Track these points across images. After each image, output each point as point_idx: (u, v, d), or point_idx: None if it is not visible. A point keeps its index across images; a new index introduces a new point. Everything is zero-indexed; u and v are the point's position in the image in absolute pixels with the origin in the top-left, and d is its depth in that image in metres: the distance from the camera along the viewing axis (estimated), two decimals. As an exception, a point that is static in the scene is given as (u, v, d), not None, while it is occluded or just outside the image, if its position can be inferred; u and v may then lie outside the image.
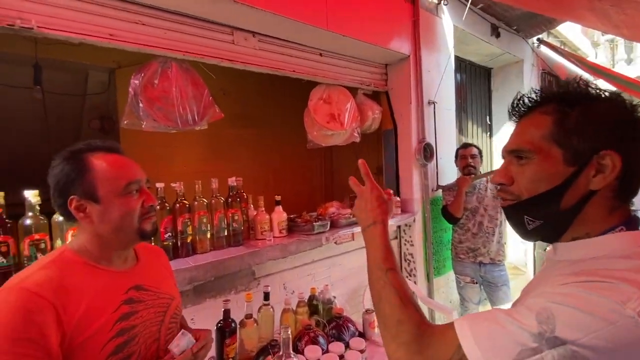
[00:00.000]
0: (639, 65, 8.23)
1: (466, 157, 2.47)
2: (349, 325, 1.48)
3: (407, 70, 2.65)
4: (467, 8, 2.79)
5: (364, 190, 0.79)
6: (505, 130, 4.13)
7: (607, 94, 0.59)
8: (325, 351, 1.29)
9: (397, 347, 0.60)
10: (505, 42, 3.61)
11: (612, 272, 0.49)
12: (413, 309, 0.63)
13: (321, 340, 1.33)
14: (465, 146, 2.55)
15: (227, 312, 1.29)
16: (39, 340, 0.65)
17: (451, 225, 2.62)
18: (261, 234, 1.86)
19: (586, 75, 4.62)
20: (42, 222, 1.20)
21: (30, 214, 1.19)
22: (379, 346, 1.46)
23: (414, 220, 2.67)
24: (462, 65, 3.70)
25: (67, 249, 0.81)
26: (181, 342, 0.88)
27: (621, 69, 7.73)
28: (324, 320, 1.50)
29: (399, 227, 2.75)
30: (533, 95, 0.63)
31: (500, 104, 4.20)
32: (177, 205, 1.58)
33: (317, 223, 2.00)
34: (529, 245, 3.96)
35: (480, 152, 2.52)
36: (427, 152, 2.68)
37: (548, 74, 4.54)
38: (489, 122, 4.23)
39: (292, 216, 2.10)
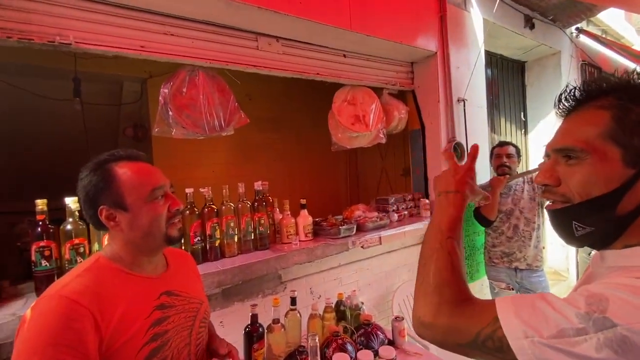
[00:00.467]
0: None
1: (501, 156, 2.33)
2: (378, 332, 1.43)
3: (434, 67, 2.56)
4: (498, 0, 2.66)
5: (460, 166, 0.75)
6: (541, 128, 3.89)
7: None
8: (354, 359, 1.26)
9: (426, 304, 0.59)
10: (540, 34, 3.40)
11: None
12: (461, 277, 0.61)
13: (349, 347, 1.29)
14: (502, 144, 2.40)
15: (254, 317, 1.30)
16: (77, 346, 0.67)
17: (484, 229, 2.50)
18: (287, 237, 1.86)
19: (632, 65, 4.27)
20: (81, 227, 1.27)
21: (70, 219, 1.26)
22: (409, 355, 1.40)
23: (444, 223, 2.57)
24: (492, 59, 3.53)
25: (101, 256, 0.83)
26: None
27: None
28: (352, 327, 1.47)
29: (428, 230, 2.67)
30: (585, 87, 0.57)
31: (536, 99, 3.96)
32: (206, 209, 1.62)
33: (343, 227, 1.97)
34: (571, 248, 3.70)
35: (518, 151, 2.37)
36: (458, 151, 2.58)
37: (589, 65, 4.22)
38: (523, 119, 4.00)
39: (317, 220, 2.09)
